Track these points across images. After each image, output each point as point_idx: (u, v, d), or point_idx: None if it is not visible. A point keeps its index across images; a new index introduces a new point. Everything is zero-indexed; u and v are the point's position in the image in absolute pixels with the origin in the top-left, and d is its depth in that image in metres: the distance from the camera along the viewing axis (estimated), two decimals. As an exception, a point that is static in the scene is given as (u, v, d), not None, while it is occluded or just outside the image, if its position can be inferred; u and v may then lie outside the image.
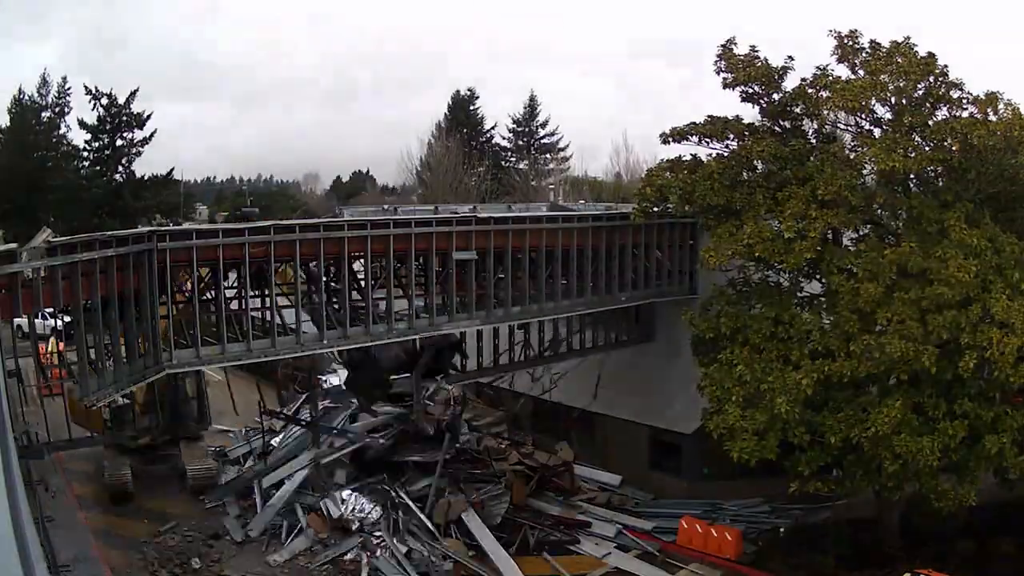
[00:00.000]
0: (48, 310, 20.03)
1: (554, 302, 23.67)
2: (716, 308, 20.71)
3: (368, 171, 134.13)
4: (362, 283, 21.89)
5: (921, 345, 17.25)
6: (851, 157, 19.87)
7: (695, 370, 21.39)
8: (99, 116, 66.93)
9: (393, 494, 23.43)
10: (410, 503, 23.12)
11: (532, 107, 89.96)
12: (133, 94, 67.15)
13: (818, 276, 20.29)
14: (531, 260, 23.54)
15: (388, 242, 20.66)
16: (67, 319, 19.78)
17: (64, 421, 24.63)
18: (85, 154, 69.26)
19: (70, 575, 19.23)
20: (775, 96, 21.04)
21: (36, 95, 72.81)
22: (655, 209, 22.86)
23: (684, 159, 22.30)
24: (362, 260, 21.44)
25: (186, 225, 25.25)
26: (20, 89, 73.45)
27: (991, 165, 19.23)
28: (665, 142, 22.13)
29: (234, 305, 20.83)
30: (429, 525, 22.44)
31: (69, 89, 71.95)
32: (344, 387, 28.58)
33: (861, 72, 20.20)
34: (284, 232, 19.43)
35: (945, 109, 19.85)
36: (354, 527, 22.40)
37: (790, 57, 20.86)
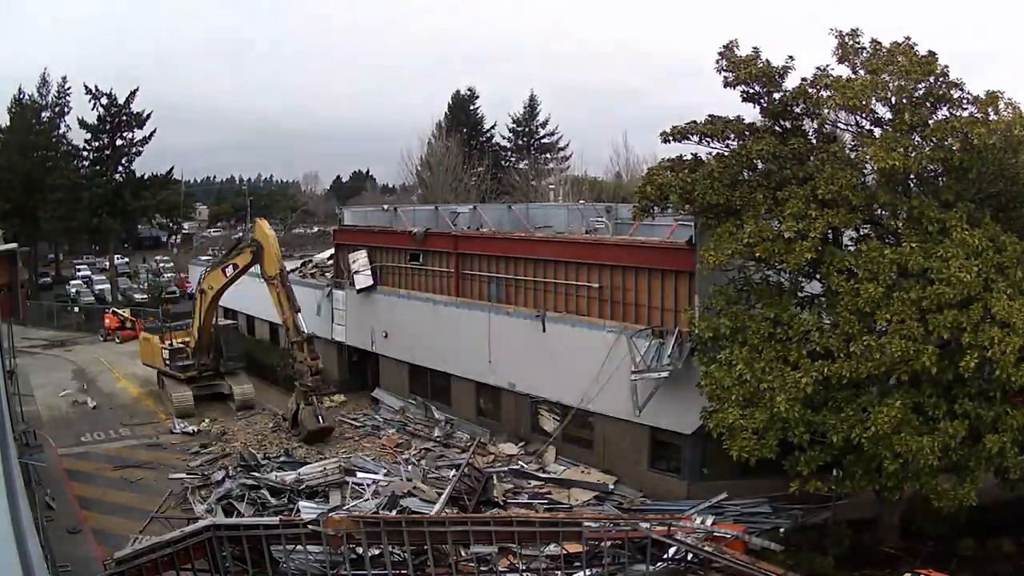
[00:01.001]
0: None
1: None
2: (716, 308, 20.69)
3: (368, 171, 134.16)
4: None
5: (921, 345, 17.26)
6: (851, 156, 19.85)
7: (695, 370, 21.36)
8: (99, 116, 67.01)
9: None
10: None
11: (532, 107, 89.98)
12: (133, 94, 67.19)
13: (818, 276, 20.24)
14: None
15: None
16: None
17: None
18: (85, 154, 69.32)
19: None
20: (775, 96, 21.00)
21: (36, 95, 72.93)
22: (655, 208, 22.80)
23: (684, 158, 22.27)
24: None
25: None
26: (20, 89, 73.70)
27: (992, 164, 19.20)
28: (665, 141, 22.06)
29: None
30: None
31: (69, 89, 72.18)
32: None
33: (862, 71, 20.17)
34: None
35: (945, 108, 19.82)
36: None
37: (791, 57, 20.84)
